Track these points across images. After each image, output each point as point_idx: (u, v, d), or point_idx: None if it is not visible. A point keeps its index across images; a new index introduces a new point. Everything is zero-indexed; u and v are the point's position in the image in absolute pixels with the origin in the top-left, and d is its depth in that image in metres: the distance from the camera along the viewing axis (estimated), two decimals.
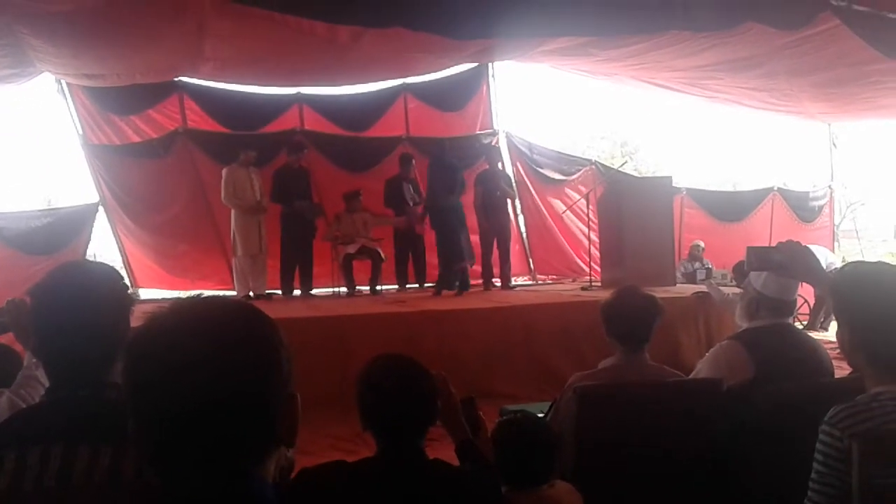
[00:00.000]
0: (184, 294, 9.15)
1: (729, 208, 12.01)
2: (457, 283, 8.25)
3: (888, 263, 2.30)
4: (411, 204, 8.93)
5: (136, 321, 1.77)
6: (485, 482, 2.01)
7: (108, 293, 1.72)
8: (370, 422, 1.92)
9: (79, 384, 1.63)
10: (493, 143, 10.82)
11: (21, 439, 1.53)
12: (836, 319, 2.16)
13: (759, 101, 10.01)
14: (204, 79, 9.10)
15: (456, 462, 2.14)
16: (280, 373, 1.04)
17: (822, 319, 9.62)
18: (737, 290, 6.45)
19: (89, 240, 8.65)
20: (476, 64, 10.33)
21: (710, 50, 7.51)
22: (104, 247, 9.34)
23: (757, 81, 8.96)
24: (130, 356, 1.01)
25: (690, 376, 3.26)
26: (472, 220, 8.67)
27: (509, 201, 9.20)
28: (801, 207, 12.47)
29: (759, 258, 2.74)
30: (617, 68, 9.31)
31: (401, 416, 1.89)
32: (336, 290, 8.74)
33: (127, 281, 1.90)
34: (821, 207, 12.69)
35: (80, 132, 9.17)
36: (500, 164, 9.51)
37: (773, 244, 2.77)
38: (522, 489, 2.31)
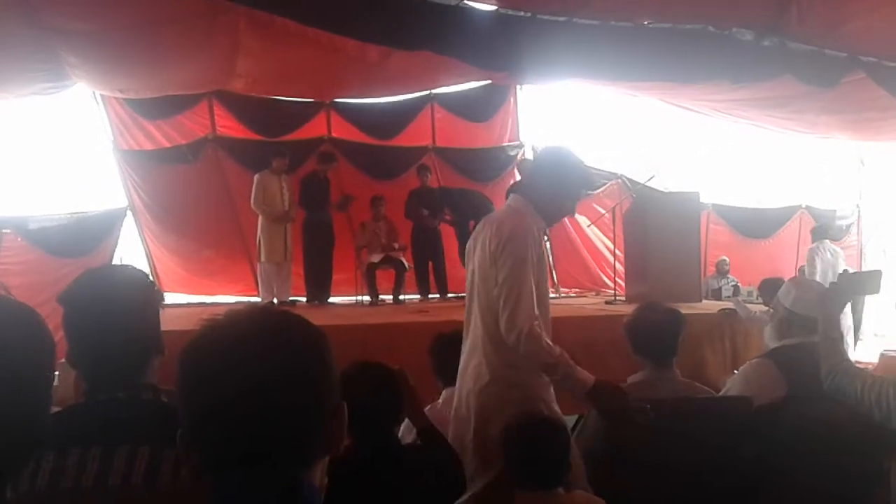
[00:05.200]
0: (208, 299, 9.29)
1: (755, 225, 11.87)
2: None
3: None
4: (430, 216, 8.98)
5: (164, 324, 1.80)
6: (445, 460, 2.34)
7: (138, 296, 1.74)
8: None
9: (116, 387, 1.65)
10: (518, 156, 10.83)
11: (60, 440, 1.54)
12: None
13: (786, 128, 9.97)
14: (237, 92, 9.19)
15: None
16: (331, 381, 1.07)
17: (850, 339, 9.47)
18: (763, 308, 6.40)
19: (117, 243, 8.75)
20: None
21: (741, 90, 7.51)
22: (131, 251, 9.41)
23: (787, 115, 8.95)
24: (186, 362, 1.03)
25: (720, 394, 3.23)
26: None
27: None
28: (828, 226, 12.33)
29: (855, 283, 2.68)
30: (644, 93, 9.33)
31: (366, 409, 2.04)
32: (359, 298, 8.75)
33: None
34: (848, 226, 12.53)
35: (111, 137, 9.29)
36: None
37: (802, 262, 2.78)
38: (534, 491, 2.31)
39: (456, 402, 2.82)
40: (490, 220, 2.82)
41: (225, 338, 1.03)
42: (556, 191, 2.81)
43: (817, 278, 8.98)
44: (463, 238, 8.70)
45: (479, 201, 8.64)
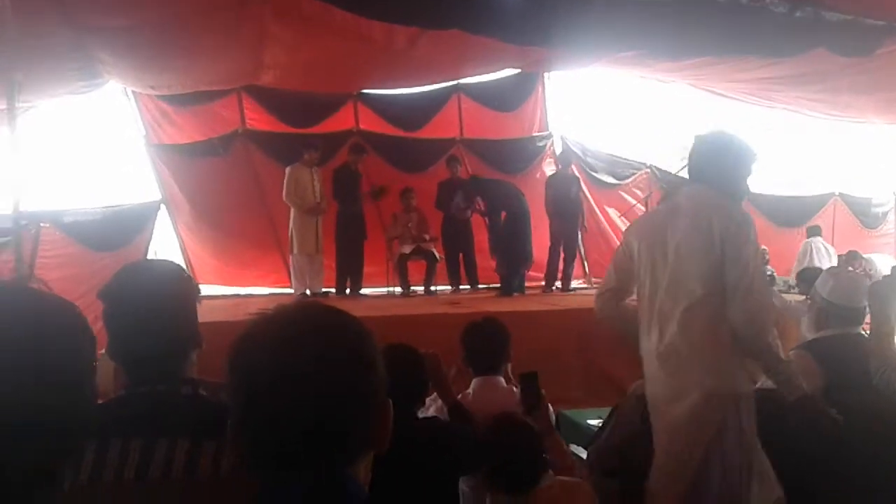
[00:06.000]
0: (242, 290, 9.39)
1: (789, 213, 11.69)
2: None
3: None
4: (464, 207, 8.98)
5: (200, 316, 1.82)
6: (462, 433, 2.47)
7: (175, 290, 1.76)
8: None
9: (156, 380, 1.67)
10: (547, 147, 10.78)
11: (102, 432, 1.57)
12: None
13: (819, 111, 9.80)
14: (265, 86, 9.24)
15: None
16: (377, 377, 1.08)
17: None
18: (799, 298, 6.30)
19: (152, 236, 8.85)
20: None
21: (771, 66, 7.39)
22: (166, 243, 9.54)
23: (819, 94, 8.77)
24: (237, 356, 1.05)
25: (756, 386, 3.20)
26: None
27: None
28: (864, 213, 12.12)
29: None
30: (674, 76, 9.21)
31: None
32: (390, 289, 8.79)
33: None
34: (885, 214, 12.31)
35: (144, 132, 9.40)
36: (571, 168, 9.48)
37: (838, 250, 2.72)
38: (508, 493, 2.30)
39: (668, 407, 2.74)
40: (691, 212, 2.75)
41: (275, 332, 1.05)
42: (733, 173, 2.81)
43: None
44: (495, 229, 8.69)
45: (512, 192, 8.62)
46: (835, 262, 9.96)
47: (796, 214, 11.69)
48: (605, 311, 3.04)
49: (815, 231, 10.64)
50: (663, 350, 2.71)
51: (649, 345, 2.80)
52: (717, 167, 2.80)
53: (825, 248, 10.33)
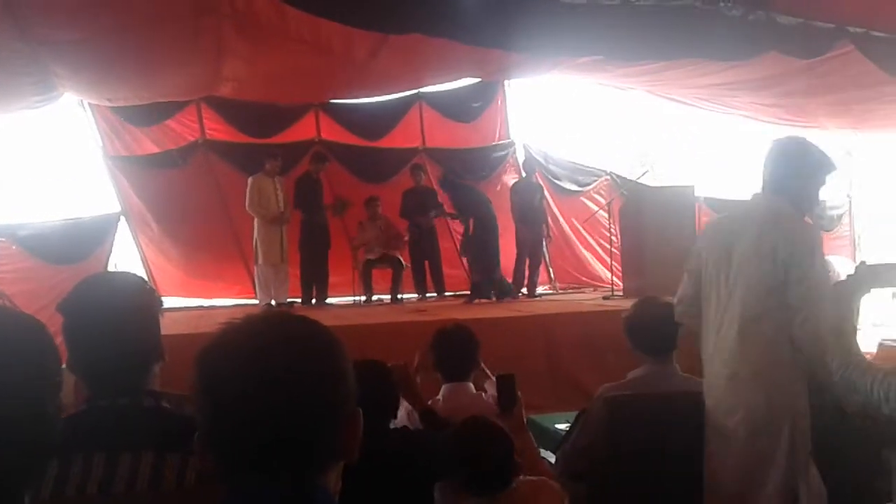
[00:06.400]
0: (206, 302, 9.27)
1: None
2: (492, 292, 8.28)
3: None
4: (433, 215, 9.00)
5: (163, 328, 1.80)
6: (434, 440, 2.46)
7: (137, 302, 1.74)
8: None
9: (118, 393, 1.64)
10: (509, 155, 10.85)
11: (63, 447, 1.53)
12: None
13: (774, 116, 10.00)
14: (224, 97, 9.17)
15: None
16: (347, 386, 1.06)
17: None
18: None
19: (112, 249, 8.72)
20: None
21: (728, 71, 7.51)
22: (126, 256, 9.39)
23: (774, 99, 8.95)
24: (204, 365, 1.03)
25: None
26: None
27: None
28: (818, 216, 12.33)
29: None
30: (632, 83, 9.33)
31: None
32: (356, 298, 8.75)
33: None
34: (840, 216, 12.55)
35: (101, 143, 9.26)
36: (535, 176, 9.54)
37: None
38: (478, 495, 2.28)
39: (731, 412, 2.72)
40: (757, 228, 2.72)
41: (242, 341, 1.04)
42: (807, 184, 2.78)
43: None
44: (466, 231, 8.64)
45: (482, 198, 8.63)
46: None
47: None
48: (685, 318, 3.01)
49: None
50: (723, 361, 2.71)
51: (710, 354, 2.80)
52: (791, 176, 2.77)
53: None
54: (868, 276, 2.53)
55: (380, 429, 2.40)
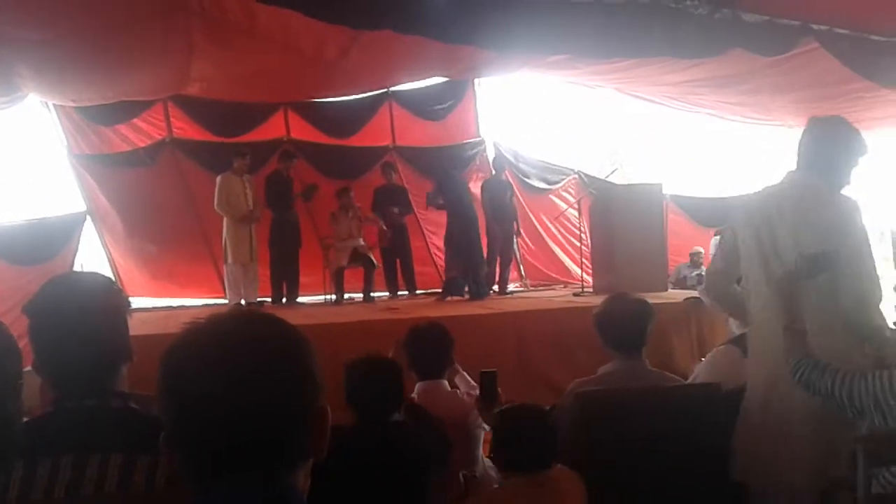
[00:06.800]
0: (174, 302, 9.17)
1: (712, 213, 12.07)
2: (466, 290, 8.21)
3: None
4: (397, 212, 8.97)
5: (131, 329, 1.78)
6: (429, 434, 2.61)
7: (104, 303, 1.72)
8: (350, 398, 2.58)
9: (85, 394, 1.62)
10: (480, 153, 10.88)
11: (30, 450, 1.51)
12: None
13: (741, 115, 10.14)
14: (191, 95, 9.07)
15: None
16: (314, 384, 1.06)
17: None
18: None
19: (77, 249, 8.59)
20: None
21: (695, 68, 7.59)
22: (92, 256, 9.27)
23: (740, 97, 9.07)
24: (168, 365, 1.02)
25: (688, 381, 3.28)
26: None
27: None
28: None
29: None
30: (601, 80, 9.40)
31: (370, 395, 2.55)
32: (327, 297, 8.71)
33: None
34: None
35: (65, 142, 9.12)
36: (505, 173, 9.55)
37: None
38: (522, 473, 2.39)
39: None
40: (799, 203, 2.76)
41: (207, 340, 1.03)
42: (841, 162, 2.81)
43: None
44: (448, 228, 8.51)
45: (467, 198, 8.53)
46: None
47: (719, 215, 12.07)
48: (714, 291, 3.11)
49: (724, 231, 11.06)
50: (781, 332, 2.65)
51: (766, 330, 2.77)
52: (827, 155, 2.81)
53: None
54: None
55: (384, 421, 2.55)
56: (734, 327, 3.59)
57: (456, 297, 8.17)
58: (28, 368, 1.76)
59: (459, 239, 8.18)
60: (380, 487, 2.33)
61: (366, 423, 2.53)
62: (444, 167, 9.03)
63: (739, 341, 3.27)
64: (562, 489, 2.40)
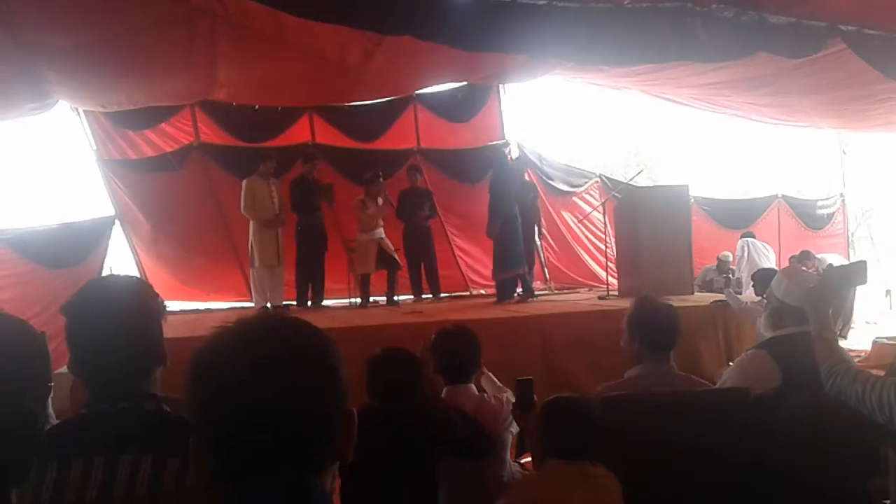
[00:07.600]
0: (201, 305, 9.25)
1: (735, 215, 12.02)
2: (517, 292, 8.11)
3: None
4: (426, 216, 8.97)
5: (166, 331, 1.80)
6: (438, 417, 2.77)
7: (140, 306, 1.75)
8: (368, 386, 2.76)
9: (118, 397, 1.64)
10: (506, 154, 10.84)
11: (63, 451, 1.54)
12: None
13: (768, 116, 10.05)
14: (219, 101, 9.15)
15: None
16: (341, 387, 1.07)
17: (840, 327, 9.60)
18: (755, 299, 6.43)
19: (106, 253, 8.69)
20: None
21: (722, 70, 7.54)
22: (120, 260, 9.38)
23: (767, 99, 8.99)
24: (197, 368, 1.03)
25: (717, 385, 3.24)
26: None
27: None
28: (808, 215, 12.44)
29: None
30: (627, 83, 9.35)
31: (385, 383, 2.77)
32: (352, 300, 8.73)
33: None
34: (831, 215, 12.62)
35: (94, 147, 9.24)
36: (528, 174, 9.50)
37: (784, 252, 2.72)
38: (562, 459, 2.47)
39: None
40: None
41: (236, 344, 1.04)
42: None
43: (744, 269, 10.20)
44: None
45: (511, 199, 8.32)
46: (772, 260, 10.48)
47: (741, 217, 12.00)
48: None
49: (748, 234, 11.19)
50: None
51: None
52: None
53: (762, 246, 10.84)
54: (836, 279, 2.53)
55: (407, 404, 2.72)
56: (763, 331, 3.55)
57: (509, 301, 7.98)
58: (59, 370, 1.78)
59: (497, 239, 8.02)
60: (385, 462, 2.49)
61: (376, 404, 2.71)
62: (498, 160, 8.88)
63: (768, 345, 3.23)
64: (600, 484, 2.43)
